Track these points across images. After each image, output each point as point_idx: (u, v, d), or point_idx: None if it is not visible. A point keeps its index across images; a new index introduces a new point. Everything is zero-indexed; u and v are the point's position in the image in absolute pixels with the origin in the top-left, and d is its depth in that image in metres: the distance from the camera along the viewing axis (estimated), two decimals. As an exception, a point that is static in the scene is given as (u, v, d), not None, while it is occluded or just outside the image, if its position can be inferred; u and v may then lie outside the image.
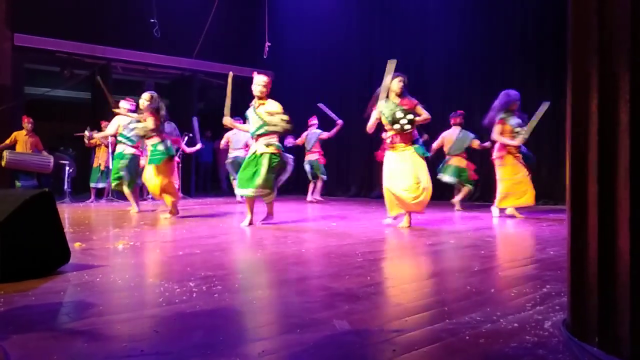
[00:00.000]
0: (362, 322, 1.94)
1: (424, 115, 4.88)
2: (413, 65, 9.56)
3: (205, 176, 13.01)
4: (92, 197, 9.09)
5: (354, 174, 10.88)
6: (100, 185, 9.15)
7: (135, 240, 4.13)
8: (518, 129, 5.79)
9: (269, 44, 9.51)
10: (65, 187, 8.97)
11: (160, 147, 5.87)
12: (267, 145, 5.00)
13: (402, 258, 3.54)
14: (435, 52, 9.36)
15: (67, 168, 9.00)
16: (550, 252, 3.51)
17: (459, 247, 3.89)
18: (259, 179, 4.94)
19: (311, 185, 9.27)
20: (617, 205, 1.52)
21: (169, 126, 8.22)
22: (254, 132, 5.07)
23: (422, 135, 5.86)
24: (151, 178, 5.94)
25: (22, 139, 8.61)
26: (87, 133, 8.32)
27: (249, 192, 5.04)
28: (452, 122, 7.31)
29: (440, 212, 6.76)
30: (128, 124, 6.84)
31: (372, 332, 1.82)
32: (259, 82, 5.07)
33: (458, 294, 2.41)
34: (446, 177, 7.24)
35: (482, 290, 2.42)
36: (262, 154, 5.00)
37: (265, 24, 10.11)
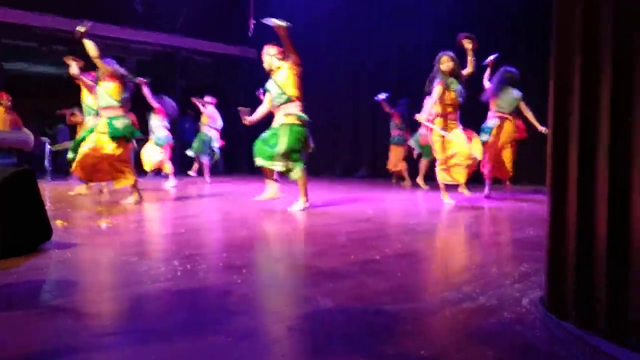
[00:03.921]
0: (346, 300, 1.97)
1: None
2: (404, 45, 9.52)
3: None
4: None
5: (339, 154, 10.88)
6: None
7: (118, 219, 4.10)
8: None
9: (254, 22, 9.37)
10: (46, 164, 8.84)
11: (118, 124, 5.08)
12: (286, 115, 4.67)
13: (385, 237, 3.58)
14: (425, 32, 9.31)
15: (47, 145, 8.85)
16: (530, 231, 3.58)
17: (441, 226, 3.95)
18: (278, 151, 4.57)
19: None
20: (596, 186, 1.56)
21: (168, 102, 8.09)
22: (275, 103, 4.77)
23: None
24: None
25: (0, 116, 8.41)
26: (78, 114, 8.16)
27: (267, 163, 4.67)
28: None
29: (425, 193, 6.83)
30: None
31: (355, 310, 1.85)
32: (265, 55, 4.86)
33: (440, 272, 2.46)
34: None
35: (463, 269, 2.47)
36: (281, 125, 4.67)
37: (250, 0, 9.94)
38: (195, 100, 8.89)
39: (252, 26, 9.37)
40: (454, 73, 4.96)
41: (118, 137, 5.01)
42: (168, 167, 8.08)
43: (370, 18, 10.09)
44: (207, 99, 8.98)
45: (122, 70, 5.18)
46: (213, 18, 11.36)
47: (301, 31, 11.17)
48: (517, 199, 5.96)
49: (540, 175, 6.94)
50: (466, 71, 5.06)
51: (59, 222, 3.73)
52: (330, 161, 10.95)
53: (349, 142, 10.61)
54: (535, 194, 6.25)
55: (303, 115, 4.67)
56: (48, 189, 7.04)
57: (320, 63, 10.73)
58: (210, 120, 8.89)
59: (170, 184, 7.83)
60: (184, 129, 12.19)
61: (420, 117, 5.30)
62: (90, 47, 4.99)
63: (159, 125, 8.02)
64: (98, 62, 5.06)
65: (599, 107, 1.56)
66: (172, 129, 10.22)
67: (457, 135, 5.07)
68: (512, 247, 3.13)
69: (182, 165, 11.67)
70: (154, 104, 7.95)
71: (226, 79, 12.34)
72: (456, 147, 5.01)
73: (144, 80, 7.92)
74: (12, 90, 8.83)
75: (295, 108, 4.66)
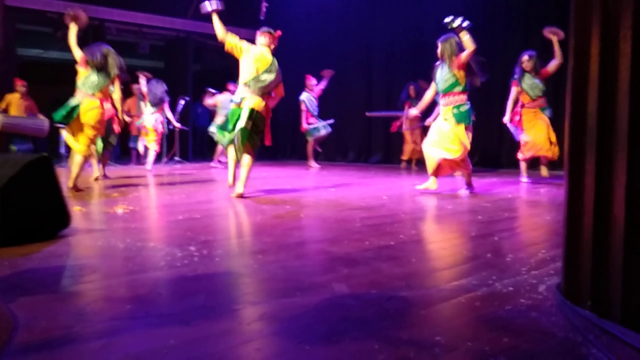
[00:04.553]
0: (361, 285, 1.99)
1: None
2: (412, 33, 9.40)
3: (202, 141, 12.94)
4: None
5: (352, 139, 10.84)
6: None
7: (134, 205, 4.15)
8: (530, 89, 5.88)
9: (267, 5, 9.29)
10: (62, 150, 8.94)
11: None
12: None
13: (399, 223, 3.58)
14: (436, 20, 9.16)
15: (63, 131, 8.93)
16: (547, 217, 3.55)
17: (456, 212, 3.93)
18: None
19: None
20: (614, 172, 1.54)
21: (160, 86, 8.36)
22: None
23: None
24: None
25: (16, 102, 8.49)
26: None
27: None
28: None
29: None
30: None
31: (370, 295, 1.86)
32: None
33: (455, 258, 2.46)
34: None
35: (479, 255, 2.46)
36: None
37: (262, -17, 9.85)
38: (208, 90, 9.16)
39: (265, 9, 9.29)
40: (444, 58, 4.81)
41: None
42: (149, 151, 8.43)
43: (386, 5, 9.96)
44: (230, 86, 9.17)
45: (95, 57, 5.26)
46: (225, 2, 11.29)
47: (314, 15, 11.14)
48: (535, 184, 5.91)
49: (558, 160, 6.87)
50: (554, 64, 5.44)
51: (76, 209, 3.79)
52: (344, 147, 10.92)
53: (362, 127, 10.55)
54: (553, 179, 6.18)
55: (234, 98, 4.76)
56: (64, 174, 7.12)
57: (332, 49, 10.65)
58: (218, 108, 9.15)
59: (148, 167, 8.18)
60: (196, 114, 12.23)
61: (413, 110, 5.42)
62: (72, 33, 5.20)
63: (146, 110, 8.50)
64: (73, 49, 5.26)
65: (618, 94, 1.53)
66: (185, 114, 10.32)
67: (438, 126, 4.83)
68: (530, 233, 3.11)
69: (193, 149, 11.75)
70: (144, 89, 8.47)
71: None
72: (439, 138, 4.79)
73: (148, 75, 8.33)
74: (26, 76, 8.90)
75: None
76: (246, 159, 4.67)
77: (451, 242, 2.84)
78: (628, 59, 1.50)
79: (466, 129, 4.73)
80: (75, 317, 1.64)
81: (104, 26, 9.97)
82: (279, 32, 4.82)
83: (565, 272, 1.73)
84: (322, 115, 9.13)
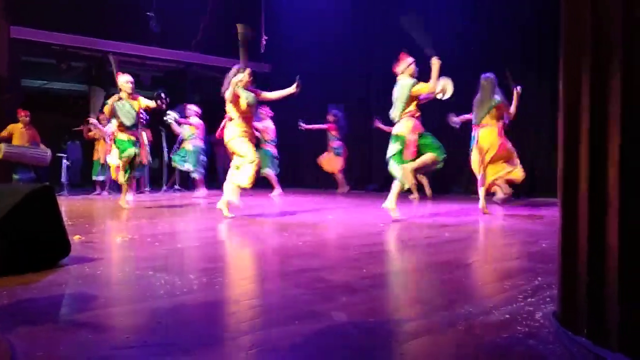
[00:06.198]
0: (360, 313, 1.99)
1: None
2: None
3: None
4: (98, 189, 9.22)
5: (350, 167, 10.91)
6: (101, 178, 9.25)
7: (133, 233, 4.16)
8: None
9: (266, 38, 9.51)
10: (63, 179, 8.99)
11: None
12: None
13: (397, 251, 3.60)
14: (434, 48, 9.36)
15: (64, 161, 9.01)
16: (543, 244, 3.57)
17: (453, 240, 3.94)
18: None
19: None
20: (608, 199, 1.57)
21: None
22: None
23: None
24: None
25: (18, 131, 8.58)
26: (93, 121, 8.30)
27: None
28: None
29: (435, 205, 6.82)
30: None
31: (369, 324, 1.87)
32: None
33: (452, 286, 2.47)
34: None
35: (476, 283, 2.47)
36: None
37: (262, 17, 10.08)
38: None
39: (264, 42, 9.51)
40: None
41: None
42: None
43: (384, 35, 10.16)
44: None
45: None
46: (225, 35, 11.54)
47: (313, 46, 11.34)
48: (531, 210, 5.93)
49: (554, 187, 6.96)
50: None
51: (76, 237, 3.80)
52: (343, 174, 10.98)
53: (360, 155, 10.63)
54: (549, 206, 6.21)
55: None
56: (65, 203, 7.15)
57: (332, 81, 10.83)
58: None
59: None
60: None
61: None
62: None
63: None
64: None
65: (609, 124, 1.57)
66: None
67: None
68: (526, 261, 3.12)
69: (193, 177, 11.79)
70: None
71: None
72: None
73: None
74: (30, 106, 9.03)
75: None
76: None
77: (448, 269, 2.85)
78: (618, 89, 1.54)
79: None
80: (74, 347, 1.64)
81: (107, 58, 10.16)
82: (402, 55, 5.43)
83: (561, 299, 1.75)
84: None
